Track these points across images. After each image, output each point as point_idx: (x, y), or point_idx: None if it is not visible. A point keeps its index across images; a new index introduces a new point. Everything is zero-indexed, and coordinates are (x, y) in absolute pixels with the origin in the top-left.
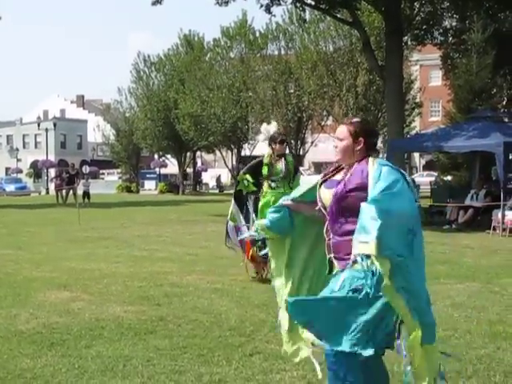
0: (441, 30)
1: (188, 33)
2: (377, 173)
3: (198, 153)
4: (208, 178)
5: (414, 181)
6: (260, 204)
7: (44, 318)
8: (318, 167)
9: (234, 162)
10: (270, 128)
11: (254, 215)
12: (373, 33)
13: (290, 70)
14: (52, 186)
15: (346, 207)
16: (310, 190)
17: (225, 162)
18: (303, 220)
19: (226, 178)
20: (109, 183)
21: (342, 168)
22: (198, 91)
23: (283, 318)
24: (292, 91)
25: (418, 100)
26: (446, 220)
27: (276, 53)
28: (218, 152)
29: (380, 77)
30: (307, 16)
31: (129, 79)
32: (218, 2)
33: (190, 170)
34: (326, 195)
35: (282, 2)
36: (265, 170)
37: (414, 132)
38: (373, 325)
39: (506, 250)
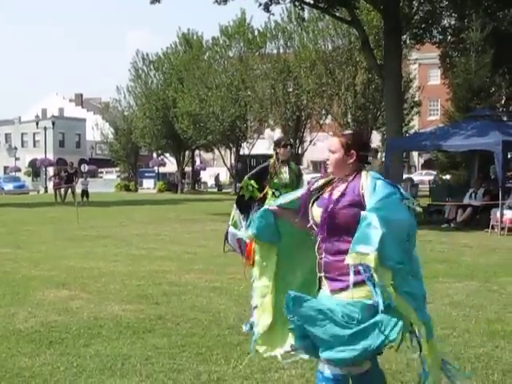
0: (439, 29)
1: (187, 31)
2: (371, 186)
3: (197, 151)
4: (207, 176)
5: (412, 179)
6: None
7: (42, 316)
8: (317, 166)
9: (233, 161)
10: (274, 134)
11: None
12: (371, 32)
13: (288, 68)
14: (50, 185)
15: (338, 225)
16: (298, 199)
17: (223, 161)
18: (290, 229)
19: (225, 177)
20: (107, 182)
21: (333, 182)
22: (196, 90)
23: (262, 318)
24: (291, 90)
25: (416, 99)
26: (445, 219)
27: (275, 51)
28: (216, 151)
29: (379, 76)
30: (306, 15)
31: (127, 78)
32: (216, 1)
33: (188, 169)
34: (317, 213)
35: (280, 0)
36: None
37: (412, 131)
38: (362, 337)
39: (504, 249)
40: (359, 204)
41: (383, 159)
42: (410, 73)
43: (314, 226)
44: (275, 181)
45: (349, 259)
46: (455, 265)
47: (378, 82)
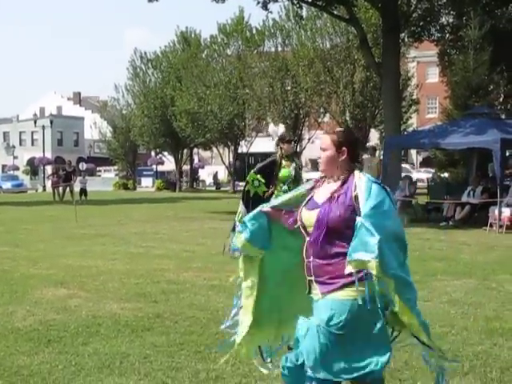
0: (438, 27)
1: (185, 30)
2: (367, 189)
3: (195, 150)
4: (205, 175)
5: (410, 177)
6: None
7: (41, 315)
8: (315, 164)
9: (231, 159)
10: (278, 129)
11: None
12: (370, 30)
13: (286, 66)
14: (49, 184)
15: (329, 229)
16: (292, 199)
17: (222, 159)
18: (280, 231)
19: (223, 175)
20: (106, 180)
21: (324, 182)
22: (194, 88)
23: (244, 319)
24: (289, 88)
25: (414, 97)
26: (443, 217)
27: (273, 50)
28: (214, 149)
29: (377, 74)
30: (304, 13)
31: (125, 76)
32: None
33: (186, 167)
34: (307, 216)
35: None
36: (281, 172)
37: (411, 129)
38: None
39: (502, 247)
40: (351, 208)
41: (381, 157)
42: (409, 71)
43: (301, 228)
44: (285, 174)
45: (349, 268)
46: (453, 263)
47: (376, 80)
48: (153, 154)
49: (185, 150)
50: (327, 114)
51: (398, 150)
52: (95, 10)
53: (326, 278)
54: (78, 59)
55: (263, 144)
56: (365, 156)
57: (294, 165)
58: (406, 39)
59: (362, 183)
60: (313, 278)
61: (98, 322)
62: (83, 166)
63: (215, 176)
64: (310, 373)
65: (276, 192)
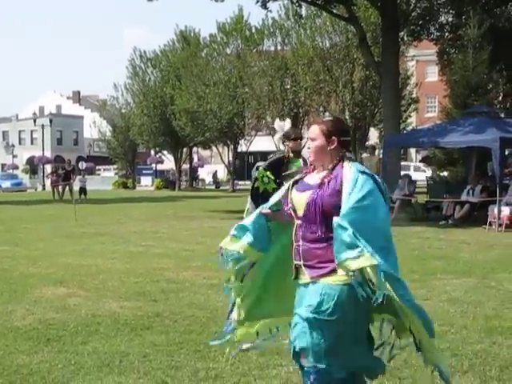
0: (437, 26)
1: (184, 29)
2: (353, 180)
3: (195, 149)
4: (204, 173)
5: (409, 176)
6: None
7: (40, 314)
8: None
9: (231, 158)
10: (285, 125)
11: None
12: (369, 28)
13: (286, 65)
14: (48, 182)
15: (322, 213)
16: (285, 194)
17: (221, 158)
18: (276, 228)
19: (223, 174)
20: (105, 179)
21: (313, 169)
22: (194, 87)
23: (237, 315)
24: (288, 87)
25: (414, 95)
26: (443, 215)
27: (272, 48)
28: (214, 148)
29: (376, 72)
30: (303, 11)
31: (125, 75)
32: None
33: (186, 166)
34: (298, 198)
35: None
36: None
37: (410, 128)
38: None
39: (501, 245)
40: (340, 194)
41: (381, 156)
42: (408, 69)
43: (292, 210)
44: (294, 169)
45: (343, 269)
46: (453, 261)
47: (376, 79)
48: (152, 152)
49: (184, 149)
50: (326, 113)
51: (398, 149)
52: (95, 10)
53: (315, 262)
54: (77, 58)
55: (263, 143)
56: (364, 155)
57: (301, 161)
58: (406, 38)
59: (350, 173)
60: (301, 263)
61: (97, 321)
62: (83, 164)
63: (215, 175)
64: (307, 365)
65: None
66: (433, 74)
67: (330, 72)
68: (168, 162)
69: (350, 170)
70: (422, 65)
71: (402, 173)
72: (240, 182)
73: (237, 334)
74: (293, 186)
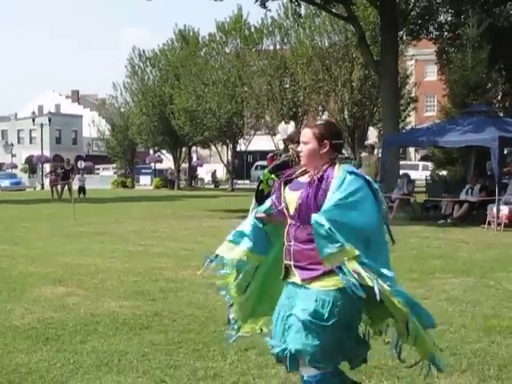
0: (436, 25)
1: (183, 28)
2: (340, 180)
3: (194, 148)
4: (203, 173)
5: (408, 175)
6: None
7: (39, 313)
8: None
9: (230, 157)
10: (288, 128)
11: None
12: (368, 28)
13: (285, 65)
14: (47, 182)
15: (312, 212)
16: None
17: (220, 157)
18: (272, 230)
19: (222, 173)
20: (104, 178)
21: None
22: (193, 86)
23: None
24: (287, 86)
25: (413, 95)
26: (441, 215)
27: (271, 48)
28: (213, 147)
29: (375, 72)
30: (302, 11)
31: (124, 74)
32: None
33: (185, 165)
34: (290, 197)
35: None
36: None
37: (409, 127)
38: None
39: (500, 245)
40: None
41: (380, 155)
42: (407, 69)
43: (284, 209)
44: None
45: (327, 263)
46: (452, 260)
47: (375, 78)
48: (151, 152)
49: (183, 148)
50: (325, 112)
51: (397, 148)
52: (94, 9)
53: (307, 263)
54: (76, 58)
55: (262, 142)
56: (363, 154)
57: None
58: (405, 37)
59: (338, 173)
60: (292, 263)
61: (96, 320)
62: (81, 164)
63: (214, 174)
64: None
65: None
66: (432, 74)
67: (329, 71)
68: (167, 161)
69: (339, 170)
70: (421, 64)
71: (408, 172)
72: (239, 182)
73: (243, 329)
74: (285, 184)
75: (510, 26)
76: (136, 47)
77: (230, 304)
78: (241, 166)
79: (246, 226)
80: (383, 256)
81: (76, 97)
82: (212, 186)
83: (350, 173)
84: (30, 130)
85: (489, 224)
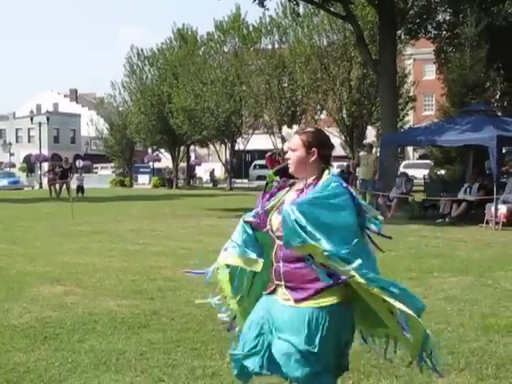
0: (434, 24)
1: (181, 27)
2: (323, 182)
3: (192, 147)
4: (202, 172)
5: (406, 174)
6: None
7: (37, 312)
8: None
9: (228, 156)
10: (292, 132)
11: None
12: (366, 27)
13: (283, 64)
14: (45, 181)
15: None
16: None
17: (218, 156)
18: (261, 235)
19: (220, 172)
20: (102, 177)
21: (293, 186)
22: (191, 85)
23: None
24: (286, 85)
25: (411, 94)
26: (440, 214)
27: (270, 47)
28: (211, 146)
29: (374, 71)
30: (301, 10)
31: (122, 73)
32: None
33: (183, 164)
34: (275, 220)
35: None
36: None
37: (407, 126)
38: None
39: (498, 244)
40: None
41: (378, 154)
42: (405, 68)
43: (270, 232)
44: None
45: (297, 251)
46: (450, 259)
47: (373, 78)
48: (149, 151)
49: (182, 147)
50: (324, 112)
51: (395, 147)
52: (92, 8)
53: (298, 282)
54: (74, 57)
55: (260, 141)
56: (361, 153)
57: None
58: (403, 36)
59: (323, 180)
60: (283, 283)
61: (94, 319)
62: (80, 163)
63: (212, 173)
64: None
65: None
66: (430, 73)
67: (327, 70)
68: (165, 160)
69: (326, 176)
70: (420, 63)
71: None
72: (237, 181)
73: (232, 308)
74: (275, 209)
75: (508, 25)
76: (134, 46)
77: (233, 317)
78: (239, 165)
79: (239, 233)
80: (364, 255)
81: (74, 96)
82: (210, 185)
83: (335, 181)
84: (28, 129)
85: (487, 223)
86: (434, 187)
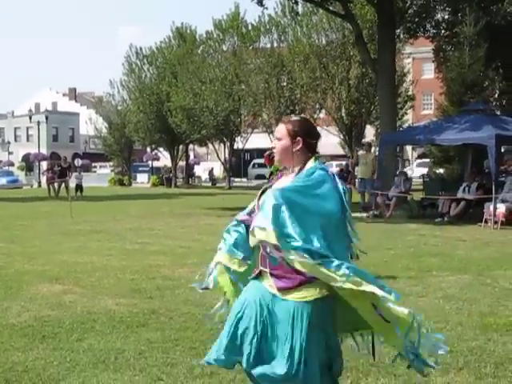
0: (433, 23)
1: (180, 25)
2: (309, 171)
3: (191, 146)
4: (201, 171)
5: (405, 173)
6: None
7: (36, 311)
8: None
9: (227, 155)
10: None
11: None
12: (365, 26)
13: (282, 62)
14: (44, 179)
15: None
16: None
17: (217, 155)
18: None
19: (219, 171)
20: (101, 176)
21: (282, 174)
22: (190, 84)
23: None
24: (284, 84)
25: (410, 93)
26: (438, 213)
27: (268, 46)
28: (210, 145)
29: (372, 70)
30: (300, 9)
31: (121, 72)
32: None
33: (182, 163)
34: None
35: None
36: None
37: (406, 125)
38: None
39: (497, 243)
40: None
41: (377, 153)
42: (404, 67)
43: None
44: None
45: (252, 239)
46: (448, 258)
47: (372, 76)
48: (148, 149)
49: (180, 146)
50: (323, 110)
51: (394, 146)
52: (91, 7)
53: (283, 271)
54: (73, 56)
55: (259, 140)
56: (360, 152)
57: None
58: (402, 35)
59: (307, 168)
60: (268, 270)
61: (92, 318)
62: (79, 161)
63: (211, 172)
64: None
65: None
66: (429, 72)
67: (326, 69)
68: (164, 159)
69: (311, 163)
70: (419, 62)
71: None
72: (236, 180)
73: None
74: (260, 195)
75: (507, 24)
76: (133, 45)
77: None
78: (238, 163)
79: (232, 233)
80: (340, 247)
81: (73, 94)
82: (209, 184)
83: (320, 169)
84: (27, 128)
85: (486, 222)
86: (433, 186)
